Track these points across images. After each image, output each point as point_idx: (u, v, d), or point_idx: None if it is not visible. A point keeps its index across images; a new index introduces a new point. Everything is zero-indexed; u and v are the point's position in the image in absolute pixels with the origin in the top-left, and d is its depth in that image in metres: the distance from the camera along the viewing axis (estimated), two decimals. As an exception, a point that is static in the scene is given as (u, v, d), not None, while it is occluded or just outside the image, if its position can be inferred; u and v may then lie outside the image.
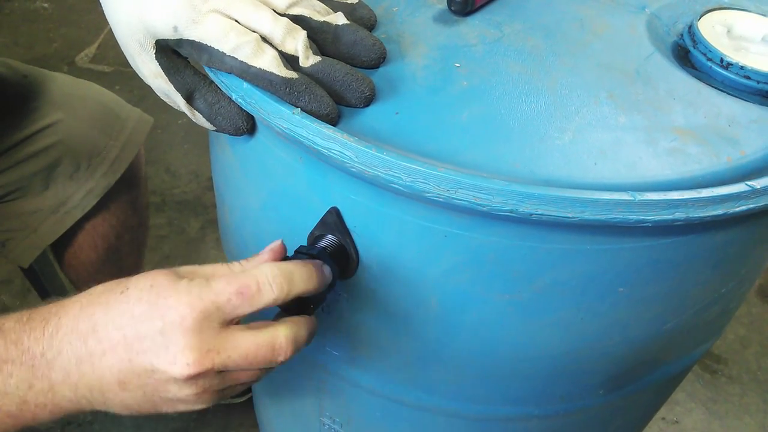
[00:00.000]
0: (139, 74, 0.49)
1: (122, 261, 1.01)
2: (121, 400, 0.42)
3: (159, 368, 0.40)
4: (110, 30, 0.48)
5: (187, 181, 1.66)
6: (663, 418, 1.26)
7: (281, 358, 0.42)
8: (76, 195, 0.88)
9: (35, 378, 0.40)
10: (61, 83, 0.87)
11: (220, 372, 0.41)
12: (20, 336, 0.41)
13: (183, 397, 0.41)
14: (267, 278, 0.41)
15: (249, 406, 1.22)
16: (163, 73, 0.47)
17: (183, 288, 0.41)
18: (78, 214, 0.89)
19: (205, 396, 0.42)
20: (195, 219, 1.56)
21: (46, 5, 2.29)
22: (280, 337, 0.42)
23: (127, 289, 0.42)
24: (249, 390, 1.21)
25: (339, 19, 0.46)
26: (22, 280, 1.34)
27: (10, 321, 0.42)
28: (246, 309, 0.41)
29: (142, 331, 0.40)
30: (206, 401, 0.42)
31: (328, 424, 0.66)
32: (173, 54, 0.47)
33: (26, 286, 1.33)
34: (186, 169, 1.69)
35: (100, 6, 0.48)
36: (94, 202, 0.89)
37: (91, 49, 2.08)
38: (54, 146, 0.84)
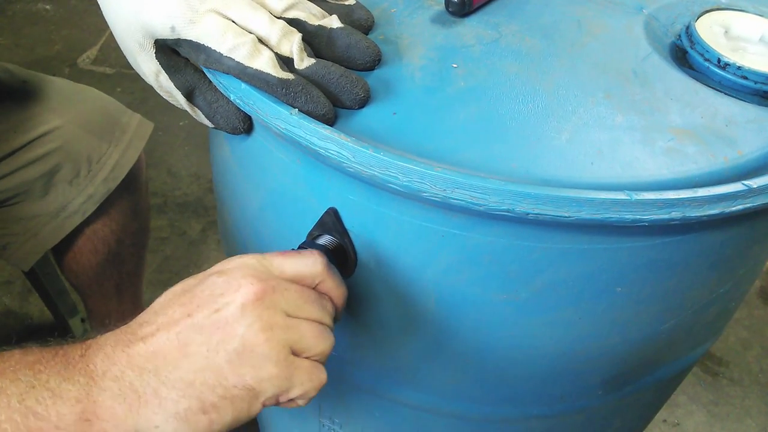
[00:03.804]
0: (140, 74, 0.49)
1: (123, 265, 1.02)
2: (179, 375, 0.37)
3: (222, 303, 0.38)
4: (112, 32, 0.48)
5: (188, 182, 1.66)
6: (664, 421, 1.26)
7: (328, 310, 0.42)
8: (76, 200, 0.88)
9: (68, 372, 0.37)
10: (60, 88, 0.87)
11: (284, 311, 0.39)
12: (56, 346, 0.39)
13: (250, 339, 0.37)
14: (312, 254, 0.43)
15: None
16: (164, 72, 0.47)
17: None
18: (78, 219, 0.89)
19: (275, 339, 0.38)
20: (196, 221, 1.57)
21: (47, 7, 2.30)
22: (325, 296, 0.43)
23: (166, 293, 0.41)
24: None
25: (333, 22, 0.46)
26: (23, 281, 1.34)
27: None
28: (288, 267, 0.42)
29: (199, 289, 0.39)
30: (276, 348, 0.38)
31: (328, 425, 0.66)
32: (173, 53, 0.47)
33: (27, 287, 1.34)
34: (187, 171, 1.69)
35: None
36: (94, 207, 0.89)
37: (93, 51, 2.08)
38: (54, 152, 0.84)
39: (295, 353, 0.40)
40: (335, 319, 0.45)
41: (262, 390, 0.38)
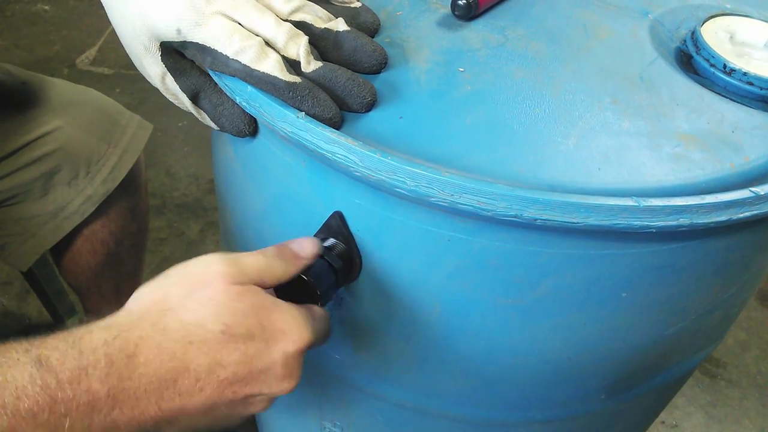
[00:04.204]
0: (146, 76, 0.49)
1: (122, 266, 1.01)
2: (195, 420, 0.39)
3: (267, 371, 0.40)
4: (111, 32, 0.48)
5: (187, 183, 1.66)
6: (662, 422, 1.26)
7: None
8: (74, 201, 0.87)
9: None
10: (60, 90, 0.87)
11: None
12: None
13: (288, 388, 0.41)
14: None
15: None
16: (169, 74, 0.47)
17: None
18: (77, 220, 0.89)
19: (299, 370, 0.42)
20: (195, 222, 1.56)
21: (46, 8, 2.29)
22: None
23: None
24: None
25: (340, 25, 0.46)
26: (21, 281, 1.34)
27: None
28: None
29: (249, 347, 0.40)
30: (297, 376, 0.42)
31: (329, 428, 0.66)
32: (179, 55, 0.47)
33: (25, 288, 1.33)
34: (186, 172, 1.69)
35: (101, 8, 0.48)
36: (92, 208, 0.89)
37: (92, 52, 2.08)
38: (53, 153, 0.83)
39: None
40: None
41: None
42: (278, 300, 0.41)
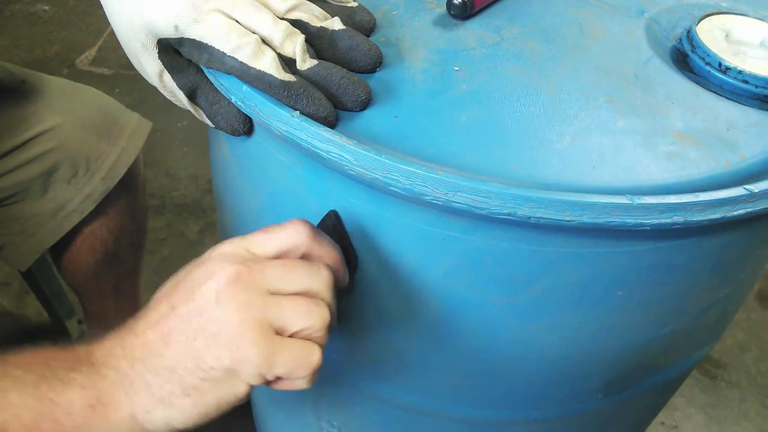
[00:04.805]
0: (143, 74, 0.49)
1: (121, 265, 1.01)
2: (163, 363, 0.39)
3: (199, 291, 0.39)
4: (110, 33, 0.48)
5: (186, 183, 1.66)
6: (662, 423, 1.26)
7: (321, 279, 0.41)
8: (74, 200, 0.87)
9: (76, 363, 0.39)
10: (59, 88, 0.87)
11: (263, 289, 0.39)
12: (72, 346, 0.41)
13: (224, 322, 0.38)
14: (293, 224, 0.42)
15: (248, 411, 1.22)
16: (166, 72, 0.47)
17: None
18: (76, 219, 0.89)
19: (250, 318, 0.38)
20: (194, 222, 1.56)
21: (46, 8, 2.29)
22: (315, 264, 0.42)
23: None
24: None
25: (335, 24, 0.46)
26: (20, 282, 1.34)
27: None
28: (270, 244, 0.41)
29: (184, 283, 0.40)
30: (251, 327, 0.38)
31: (327, 428, 0.66)
32: (176, 53, 0.47)
33: (24, 288, 1.33)
34: (185, 172, 1.69)
35: (101, 9, 0.48)
36: (92, 207, 0.89)
37: (92, 52, 2.08)
38: (52, 151, 0.83)
39: (278, 331, 0.39)
40: (340, 284, 0.44)
41: (242, 370, 0.39)
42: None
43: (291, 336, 0.40)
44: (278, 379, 0.40)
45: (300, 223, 0.42)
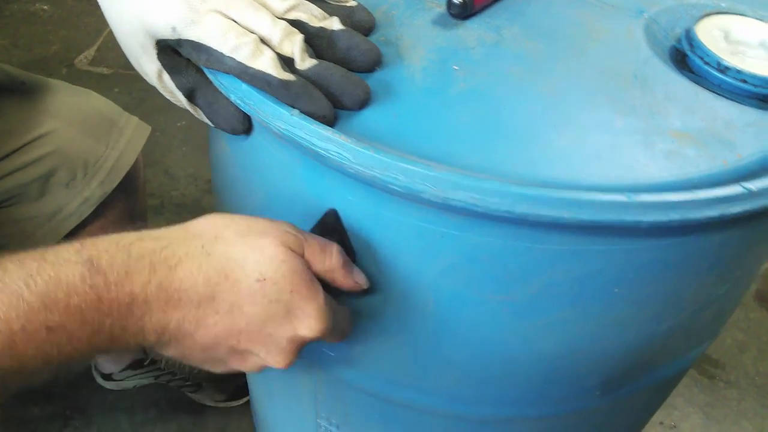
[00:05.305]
0: (142, 74, 0.49)
1: (120, 268, 1.01)
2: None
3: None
4: (109, 32, 0.48)
5: (185, 183, 1.66)
6: (661, 423, 1.26)
7: (332, 259, 0.44)
8: (72, 203, 0.87)
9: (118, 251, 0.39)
10: (58, 91, 0.87)
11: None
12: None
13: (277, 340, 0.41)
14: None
15: (246, 409, 1.22)
16: (166, 72, 0.47)
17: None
18: (74, 222, 0.88)
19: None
20: (193, 222, 1.56)
21: (45, 7, 2.30)
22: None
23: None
24: (246, 392, 1.21)
25: (334, 24, 0.46)
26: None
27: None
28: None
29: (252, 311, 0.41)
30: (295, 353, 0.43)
31: (325, 426, 0.66)
32: (175, 53, 0.47)
33: (24, 288, 1.33)
34: (184, 172, 1.69)
35: (100, 9, 0.48)
36: (90, 210, 0.88)
37: (91, 52, 2.08)
38: (50, 155, 0.83)
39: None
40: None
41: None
42: (317, 282, 0.42)
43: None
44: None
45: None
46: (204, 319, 0.40)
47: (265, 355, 0.42)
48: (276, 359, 0.42)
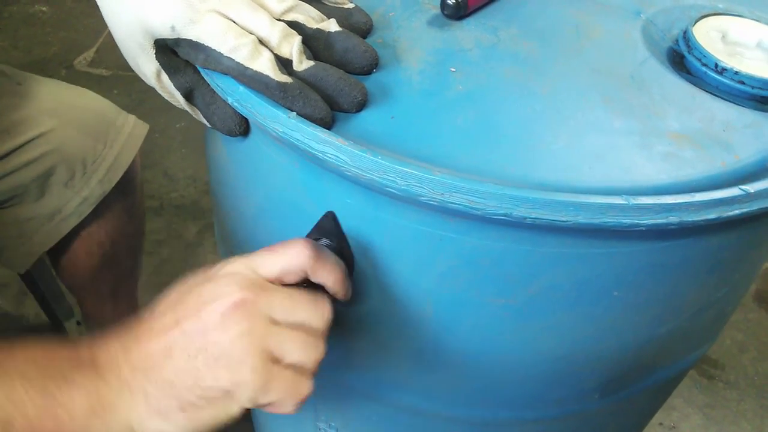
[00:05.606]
0: (140, 74, 0.49)
1: (119, 267, 1.01)
2: (162, 375, 0.39)
3: (205, 310, 0.39)
4: (108, 34, 0.48)
5: (184, 185, 1.66)
6: (660, 424, 1.26)
7: (320, 314, 0.42)
8: (71, 203, 0.87)
9: (80, 363, 0.39)
10: (55, 91, 0.87)
11: (266, 318, 0.40)
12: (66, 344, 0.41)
13: (227, 346, 0.39)
14: (298, 243, 0.42)
15: (246, 412, 1.22)
16: (164, 72, 0.47)
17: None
18: (73, 222, 0.88)
19: (251, 345, 0.39)
20: (193, 223, 1.56)
21: (44, 9, 2.30)
22: (319, 295, 0.43)
23: (170, 293, 0.42)
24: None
25: (332, 26, 0.46)
26: (18, 284, 1.33)
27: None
28: (275, 265, 0.41)
29: (190, 298, 0.40)
30: (252, 354, 0.39)
31: (324, 429, 0.66)
32: (173, 53, 0.47)
33: (23, 290, 1.33)
34: (183, 173, 1.69)
35: (99, 10, 0.48)
36: (89, 209, 0.89)
37: (90, 53, 2.08)
38: (48, 154, 0.83)
39: (275, 360, 0.40)
40: (344, 300, 0.45)
41: (238, 393, 0.40)
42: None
43: (286, 365, 0.41)
44: (269, 403, 0.41)
45: (303, 244, 0.42)
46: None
47: (213, 347, 0.39)
48: (221, 336, 0.39)
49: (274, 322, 0.40)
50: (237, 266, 0.41)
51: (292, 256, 0.42)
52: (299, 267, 0.42)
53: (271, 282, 0.41)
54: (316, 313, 0.42)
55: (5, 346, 0.39)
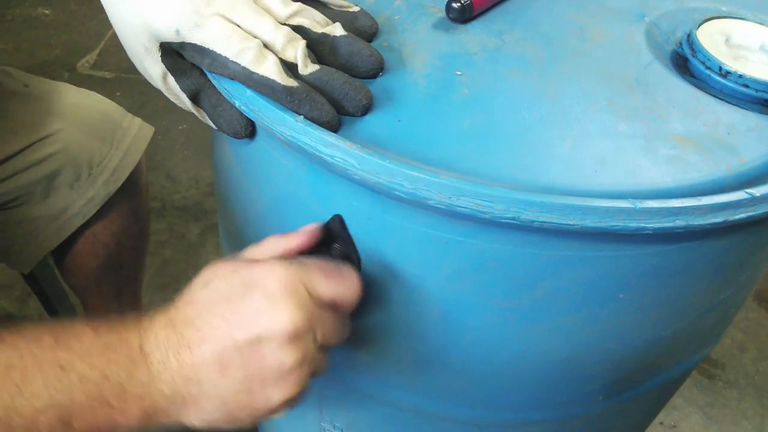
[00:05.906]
0: (147, 77, 0.49)
1: (123, 268, 1.02)
2: (217, 392, 0.40)
3: (264, 333, 0.40)
4: (111, 36, 0.48)
5: (187, 186, 1.66)
6: (661, 423, 1.27)
7: (340, 337, 0.45)
8: (76, 203, 0.88)
9: (134, 367, 0.40)
10: (62, 92, 0.87)
11: (317, 342, 0.42)
12: (116, 328, 0.41)
13: (285, 373, 0.41)
14: (354, 279, 0.44)
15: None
16: (170, 75, 0.47)
17: (266, 261, 0.42)
18: (78, 222, 0.89)
19: (303, 374, 0.42)
20: (195, 224, 1.57)
21: (47, 12, 2.30)
22: (346, 322, 0.46)
23: (209, 282, 0.42)
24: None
25: (337, 30, 0.46)
26: (22, 285, 1.34)
27: (101, 323, 0.41)
28: (329, 291, 0.43)
29: (243, 306, 0.40)
30: (303, 381, 0.42)
31: (329, 429, 0.66)
32: (178, 56, 0.47)
33: (26, 291, 1.33)
34: (186, 175, 1.69)
35: (102, 13, 0.48)
36: (94, 210, 0.89)
37: (92, 56, 2.08)
38: (55, 155, 0.84)
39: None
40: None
41: (280, 408, 0.43)
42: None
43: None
44: None
45: (356, 278, 0.44)
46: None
47: (263, 328, 0.40)
48: (272, 320, 0.40)
49: (319, 345, 0.43)
50: (292, 277, 0.41)
51: (347, 289, 0.44)
52: (349, 302, 0.44)
53: (322, 302, 0.43)
54: (345, 335, 0.46)
55: (61, 334, 0.40)
